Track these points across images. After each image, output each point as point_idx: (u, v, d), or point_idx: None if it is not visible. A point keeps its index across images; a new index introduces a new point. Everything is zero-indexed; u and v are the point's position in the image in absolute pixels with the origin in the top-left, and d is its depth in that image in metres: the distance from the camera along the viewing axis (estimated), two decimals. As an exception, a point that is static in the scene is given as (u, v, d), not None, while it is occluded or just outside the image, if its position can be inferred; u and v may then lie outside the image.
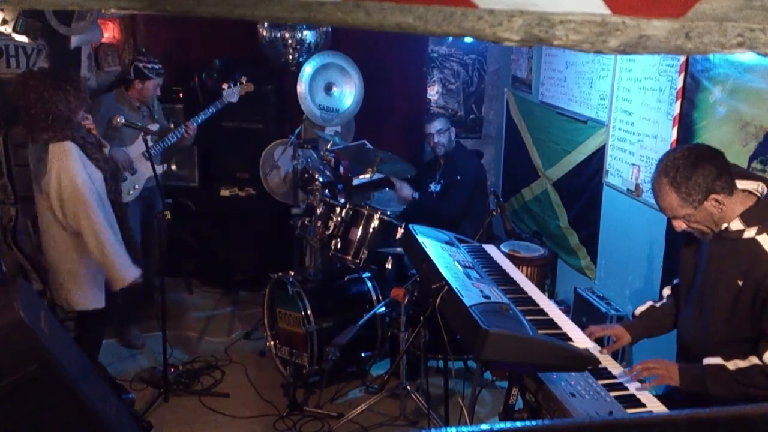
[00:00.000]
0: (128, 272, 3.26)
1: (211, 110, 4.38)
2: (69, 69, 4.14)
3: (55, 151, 3.13)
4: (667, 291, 2.61)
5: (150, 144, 3.89)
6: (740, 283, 2.11)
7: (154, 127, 4.21)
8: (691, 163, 2.08)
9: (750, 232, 2.11)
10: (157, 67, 4.20)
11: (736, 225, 2.13)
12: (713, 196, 2.08)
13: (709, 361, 2.17)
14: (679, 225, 2.20)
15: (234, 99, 4.46)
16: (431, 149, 4.68)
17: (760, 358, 2.07)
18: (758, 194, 2.17)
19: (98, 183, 3.25)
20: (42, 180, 3.16)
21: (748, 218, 2.12)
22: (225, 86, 4.44)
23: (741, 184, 2.17)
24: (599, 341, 2.55)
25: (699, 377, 2.18)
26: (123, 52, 5.15)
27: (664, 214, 2.23)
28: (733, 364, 2.12)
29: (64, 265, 3.27)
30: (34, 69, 4.17)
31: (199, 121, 4.37)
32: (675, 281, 2.59)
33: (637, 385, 2.23)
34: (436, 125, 4.54)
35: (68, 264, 3.26)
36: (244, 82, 4.49)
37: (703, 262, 2.27)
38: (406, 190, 4.59)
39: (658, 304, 2.59)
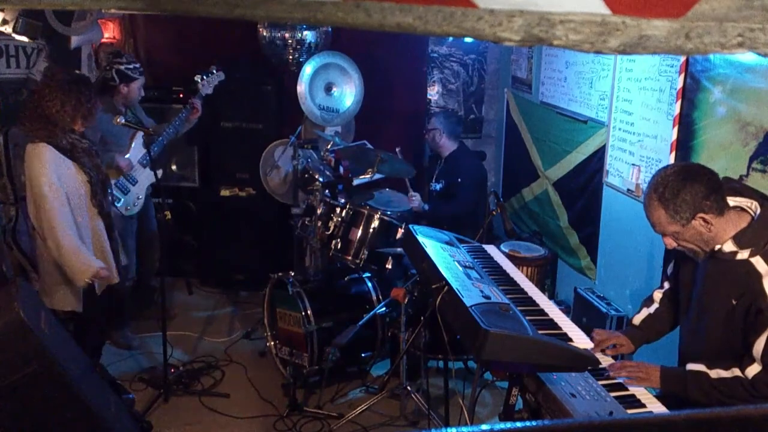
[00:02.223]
0: (85, 269, 3.15)
1: (197, 102, 4.34)
2: (70, 69, 4.14)
3: (30, 153, 3.13)
4: (658, 295, 2.63)
5: (140, 150, 3.88)
6: (734, 302, 2.12)
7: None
8: (681, 180, 2.10)
9: (743, 254, 2.11)
10: (138, 66, 4.13)
11: (728, 247, 2.13)
12: (701, 215, 2.09)
13: (692, 366, 2.21)
14: (669, 243, 2.22)
15: (210, 91, 4.39)
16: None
17: (743, 371, 2.10)
18: (751, 213, 2.16)
19: (72, 186, 3.20)
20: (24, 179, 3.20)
21: (740, 240, 2.12)
22: (198, 78, 4.37)
23: (734, 200, 2.17)
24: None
25: (680, 381, 2.22)
26: (123, 53, 5.15)
27: (654, 230, 2.24)
28: (715, 373, 2.15)
29: (41, 264, 3.29)
30: (71, 70, 4.10)
31: (180, 121, 4.30)
32: (666, 285, 2.62)
33: (637, 385, 2.24)
34: (430, 121, 4.82)
35: (43, 263, 3.28)
36: (215, 71, 4.42)
37: (700, 278, 2.28)
38: (416, 202, 4.53)
39: (652, 311, 2.62)
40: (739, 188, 2.26)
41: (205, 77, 4.37)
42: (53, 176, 3.10)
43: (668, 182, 2.11)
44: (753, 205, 2.17)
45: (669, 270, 2.61)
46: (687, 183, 2.09)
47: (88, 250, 3.23)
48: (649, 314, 2.62)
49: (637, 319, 2.64)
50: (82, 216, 3.27)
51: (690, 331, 2.34)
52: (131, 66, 4.08)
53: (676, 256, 2.44)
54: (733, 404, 2.08)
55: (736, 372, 2.11)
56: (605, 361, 2.38)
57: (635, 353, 2.70)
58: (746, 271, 2.10)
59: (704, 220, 2.10)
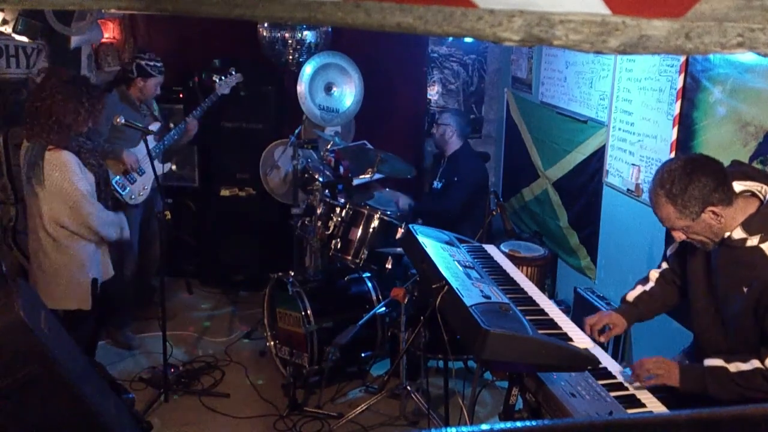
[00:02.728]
0: (117, 225, 3.39)
1: (206, 104, 4.42)
2: (69, 69, 4.14)
3: (53, 162, 3.12)
4: (654, 274, 2.61)
5: (151, 144, 3.90)
6: (745, 290, 2.10)
7: (155, 126, 4.25)
8: (687, 174, 2.06)
9: (753, 241, 2.09)
10: (159, 65, 4.24)
11: (738, 234, 2.11)
12: (710, 208, 2.06)
13: (710, 362, 2.16)
14: (679, 236, 2.19)
15: (227, 91, 4.48)
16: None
17: (762, 362, 2.06)
18: (761, 197, 2.14)
19: (93, 186, 3.28)
20: (36, 186, 3.15)
21: (749, 227, 2.10)
22: (216, 78, 4.47)
23: (744, 185, 2.15)
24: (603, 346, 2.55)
25: (699, 378, 2.17)
26: (123, 52, 5.16)
27: (662, 224, 2.22)
28: (734, 367, 2.11)
29: (47, 267, 3.27)
30: (72, 72, 4.12)
31: (198, 115, 4.40)
32: (663, 265, 2.60)
33: (637, 384, 2.22)
34: (441, 117, 4.77)
35: (52, 265, 3.26)
36: (233, 73, 4.51)
37: (714, 268, 2.26)
38: (403, 202, 4.68)
39: (647, 288, 2.60)
40: (750, 172, 2.23)
41: (223, 78, 4.47)
42: (84, 179, 3.18)
43: (675, 177, 2.07)
44: (763, 190, 2.15)
45: (669, 252, 2.58)
46: (694, 176, 2.05)
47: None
48: (644, 291, 2.59)
49: (631, 296, 2.62)
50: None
51: (709, 324, 2.30)
52: (151, 63, 4.20)
53: (684, 244, 2.42)
54: (755, 397, 2.06)
55: (756, 364, 2.07)
56: (612, 367, 2.33)
57: (635, 344, 2.68)
58: (756, 258, 2.08)
59: (714, 212, 2.07)
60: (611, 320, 2.55)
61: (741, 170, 2.22)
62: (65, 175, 3.12)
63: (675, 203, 2.08)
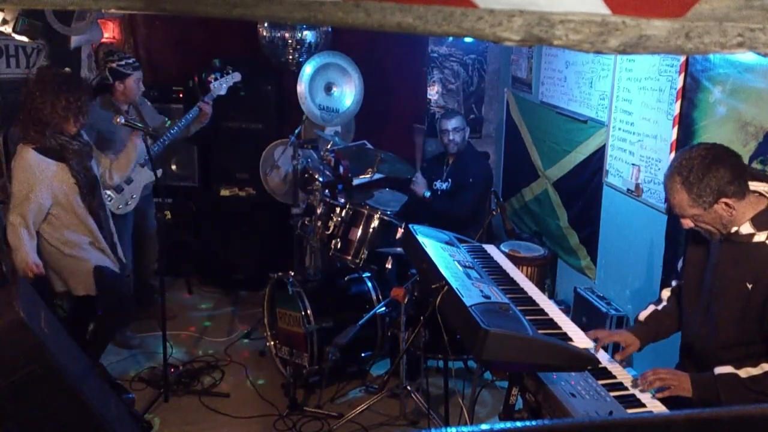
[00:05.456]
0: (28, 259, 3.22)
1: (204, 105, 4.28)
2: (60, 69, 4.13)
3: (17, 153, 3.22)
4: (666, 293, 2.59)
5: (149, 143, 3.86)
6: (750, 286, 2.09)
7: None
8: (706, 164, 2.06)
9: (760, 236, 2.10)
10: (131, 61, 4.07)
11: (746, 229, 2.11)
12: (724, 199, 2.06)
13: (720, 370, 2.16)
14: (687, 223, 2.18)
15: (222, 92, 4.34)
16: (444, 146, 4.69)
17: None
18: None
19: (58, 187, 3.25)
20: None
21: (758, 222, 2.10)
22: (212, 79, 4.34)
23: (752, 185, 2.15)
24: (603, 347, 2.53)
25: (711, 387, 2.16)
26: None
27: (672, 211, 2.22)
28: (744, 372, 2.11)
29: (50, 257, 3.36)
30: (61, 69, 4.07)
31: (182, 125, 4.24)
32: (674, 283, 2.59)
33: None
34: (453, 123, 4.56)
35: (52, 255, 3.36)
36: (230, 71, 4.38)
37: (711, 263, 2.26)
38: (420, 186, 4.54)
39: (660, 307, 2.58)
40: (755, 173, 2.23)
41: (218, 77, 4.33)
42: (30, 179, 3.17)
43: (693, 165, 2.07)
44: None
45: (680, 265, 2.56)
46: (712, 167, 2.05)
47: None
48: (656, 310, 2.57)
49: (643, 315, 2.59)
50: (72, 214, 3.33)
51: (698, 316, 2.30)
52: (123, 62, 4.03)
53: (687, 240, 2.40)
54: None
55: (766, 367, 2.07)
56: (625, 379, 2.29)
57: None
58: (762, 254, 2.08)
59: (727, 204, 2.07)
60: (622, 339, 2.51)
61: (748, 172, 2.22)
62: (18, 169, 3.18)
63: (690, 191, 2.08)
